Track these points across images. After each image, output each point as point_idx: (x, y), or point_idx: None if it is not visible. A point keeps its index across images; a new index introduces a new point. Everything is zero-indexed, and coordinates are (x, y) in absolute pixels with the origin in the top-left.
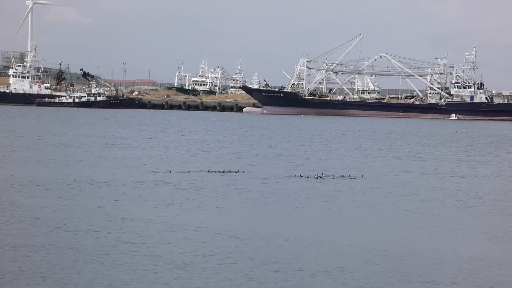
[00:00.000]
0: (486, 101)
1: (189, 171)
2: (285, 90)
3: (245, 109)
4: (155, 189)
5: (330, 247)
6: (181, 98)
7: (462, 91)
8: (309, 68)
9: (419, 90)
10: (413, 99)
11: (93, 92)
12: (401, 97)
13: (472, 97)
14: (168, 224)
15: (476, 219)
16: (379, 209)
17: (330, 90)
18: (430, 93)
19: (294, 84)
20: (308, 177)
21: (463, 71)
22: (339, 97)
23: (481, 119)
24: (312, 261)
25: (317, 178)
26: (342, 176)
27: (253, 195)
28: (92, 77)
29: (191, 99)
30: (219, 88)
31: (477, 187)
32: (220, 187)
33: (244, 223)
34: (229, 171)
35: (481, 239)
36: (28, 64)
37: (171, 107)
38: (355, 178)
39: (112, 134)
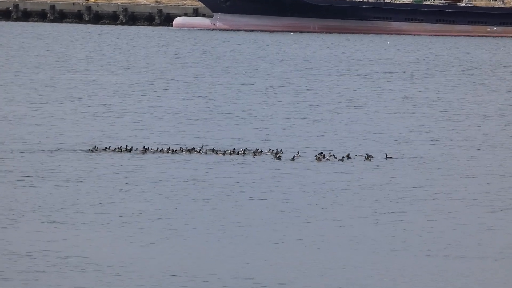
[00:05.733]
0: None
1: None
2: None
3: (177, 21)
4: None
5: None
6: None
7: None
8: None
9: None
10: None
11: None
12: None
13: None
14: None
15: None
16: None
17: None
18: None
19: None
20: (293, 158)
21: None
22: None
23: None
24: None
25: (319, 160)
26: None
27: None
28: None
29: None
30: None
31: None
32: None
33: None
34: (126, 148)
35: None
36: None
37: (26, 15)
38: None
39: None
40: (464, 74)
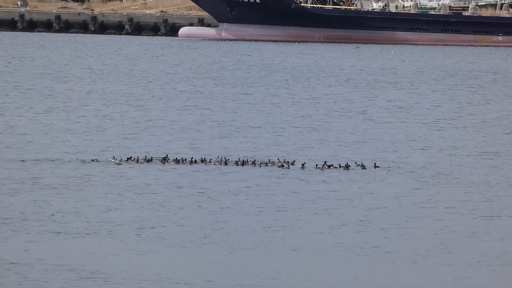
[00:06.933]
0: None
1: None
2: None
3: (182, 31)
4: None
5: None
6: (52, 7)
7: None
8: None
9: None
10: None
11: None
12: (502, 5)
13: None
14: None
15: None
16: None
17: None
18: None
19: None
20: (303, 167)
21: None
22: (375, 5)
23: None
24: None
25: (322, 169)
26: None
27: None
28: None
29: (72, 9)
30: None
31: None
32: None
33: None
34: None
35: None
36: None
37: (32, 26)
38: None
39: None
40: (463, 83)
